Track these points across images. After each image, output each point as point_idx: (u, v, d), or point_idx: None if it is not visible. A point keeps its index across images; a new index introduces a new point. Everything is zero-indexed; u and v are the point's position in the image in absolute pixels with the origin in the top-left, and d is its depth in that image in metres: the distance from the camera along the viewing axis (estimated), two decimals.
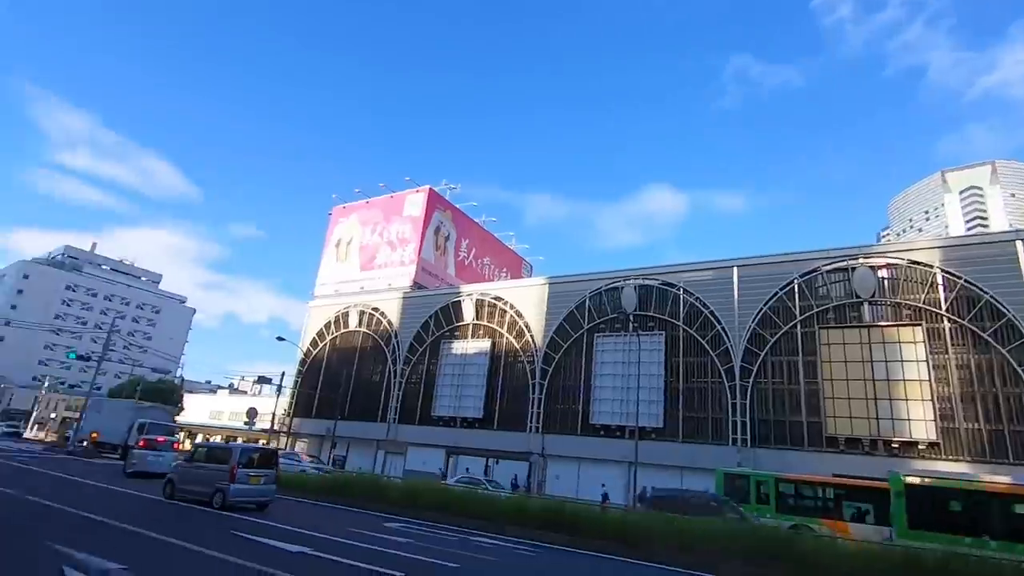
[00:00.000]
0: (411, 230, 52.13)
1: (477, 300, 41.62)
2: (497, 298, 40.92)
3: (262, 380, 45.50)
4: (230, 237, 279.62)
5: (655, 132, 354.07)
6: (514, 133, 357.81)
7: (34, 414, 65.74)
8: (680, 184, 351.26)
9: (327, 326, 49.94)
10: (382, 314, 46.76)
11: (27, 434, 57.98)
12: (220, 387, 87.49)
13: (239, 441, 47.75)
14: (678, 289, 33.37)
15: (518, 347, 38.52)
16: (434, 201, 53.75)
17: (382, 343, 45.55)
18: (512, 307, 39.77)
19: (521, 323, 38.93)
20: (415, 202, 53.35)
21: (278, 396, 42.50)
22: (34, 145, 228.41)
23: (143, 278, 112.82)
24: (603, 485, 29.15)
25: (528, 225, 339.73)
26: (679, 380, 31.87)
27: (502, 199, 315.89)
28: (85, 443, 33.98)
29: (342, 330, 48.91)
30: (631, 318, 33.55)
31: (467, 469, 35.19)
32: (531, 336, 38.04)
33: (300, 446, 46.59)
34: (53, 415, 63.10)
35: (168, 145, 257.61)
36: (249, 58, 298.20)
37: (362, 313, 48.08)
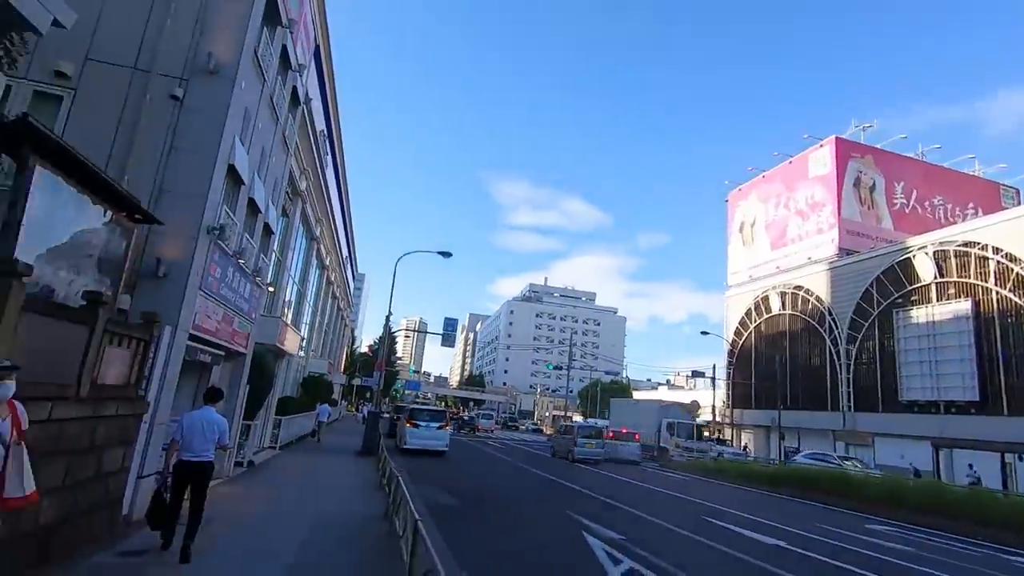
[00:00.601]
0: (823, 191, 45.41)
1: (936, 252, 32.74)
2: (968, 243, 31.20)
3: (696, 374, 47.37)
4: (639, 249, 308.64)
5: None
6: (946, 25, 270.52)
7: (535, 413, 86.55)
8: None
9: (748, 314, 48.26)
10: (807, 291, 42.15)
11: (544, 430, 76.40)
12: (659, 383, 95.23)
13: None
14: None
15: (1020, 301, 28.15)
16: (845, 150, 45.51)
17: (814, 322, 40.91)
18: (998, 251, 29.56)
19: (1018, 269, 28.43)
20: (820, 159, 46.42)
21: (714, 389, 43.22)
22: (496, 213, 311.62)
23: (583, 298, 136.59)
24: None
25: (995, 137, 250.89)
26: None
27: (944, 118, 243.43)
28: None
29: (764, 316, 46.36)
30: None
31: (970, 466, 27.45)
32: None
33: (745, 437, 45.97)
34: (547, 414, 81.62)
35: (580, 186, 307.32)
36: (628, 91, 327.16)
37: (783, 294, 44.51)
